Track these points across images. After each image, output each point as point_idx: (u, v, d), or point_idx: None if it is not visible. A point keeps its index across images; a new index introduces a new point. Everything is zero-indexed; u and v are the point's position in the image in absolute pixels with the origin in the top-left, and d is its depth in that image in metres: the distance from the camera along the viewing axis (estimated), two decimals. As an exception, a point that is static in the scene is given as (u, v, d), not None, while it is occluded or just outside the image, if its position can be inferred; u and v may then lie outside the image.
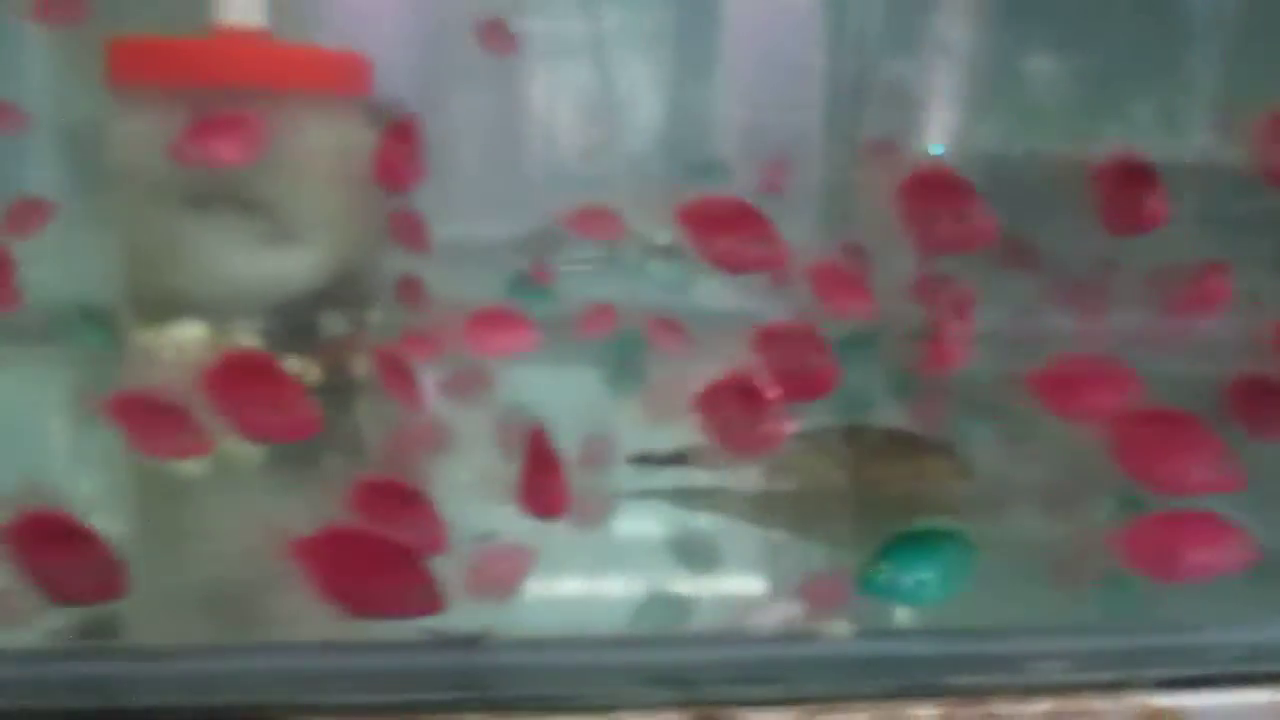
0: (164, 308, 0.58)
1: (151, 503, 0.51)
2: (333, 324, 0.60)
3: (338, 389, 0.60)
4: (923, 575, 0.33)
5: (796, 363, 0.35)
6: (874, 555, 0.32)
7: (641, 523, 0.44)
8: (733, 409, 0.33)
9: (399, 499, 0.31)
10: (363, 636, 0.30)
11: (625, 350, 0.67)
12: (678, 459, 0.46)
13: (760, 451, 0.33)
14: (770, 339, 0.36)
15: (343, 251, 0.60)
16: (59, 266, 0.67)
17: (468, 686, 0.29)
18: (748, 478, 0.45)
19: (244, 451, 0.55)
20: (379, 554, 0.27)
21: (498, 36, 0.65)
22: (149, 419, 0.36)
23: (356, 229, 0.61)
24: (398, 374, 0.52)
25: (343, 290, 0.60)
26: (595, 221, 0.64)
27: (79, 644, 0.30)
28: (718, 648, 0.30)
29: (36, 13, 0.59)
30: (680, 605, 0.39)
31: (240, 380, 0.31)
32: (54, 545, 0.28)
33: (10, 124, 0.61)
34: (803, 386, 0.35)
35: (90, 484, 0.53)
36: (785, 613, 0.31)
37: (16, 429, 0.60)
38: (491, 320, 0.53)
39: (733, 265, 0.33)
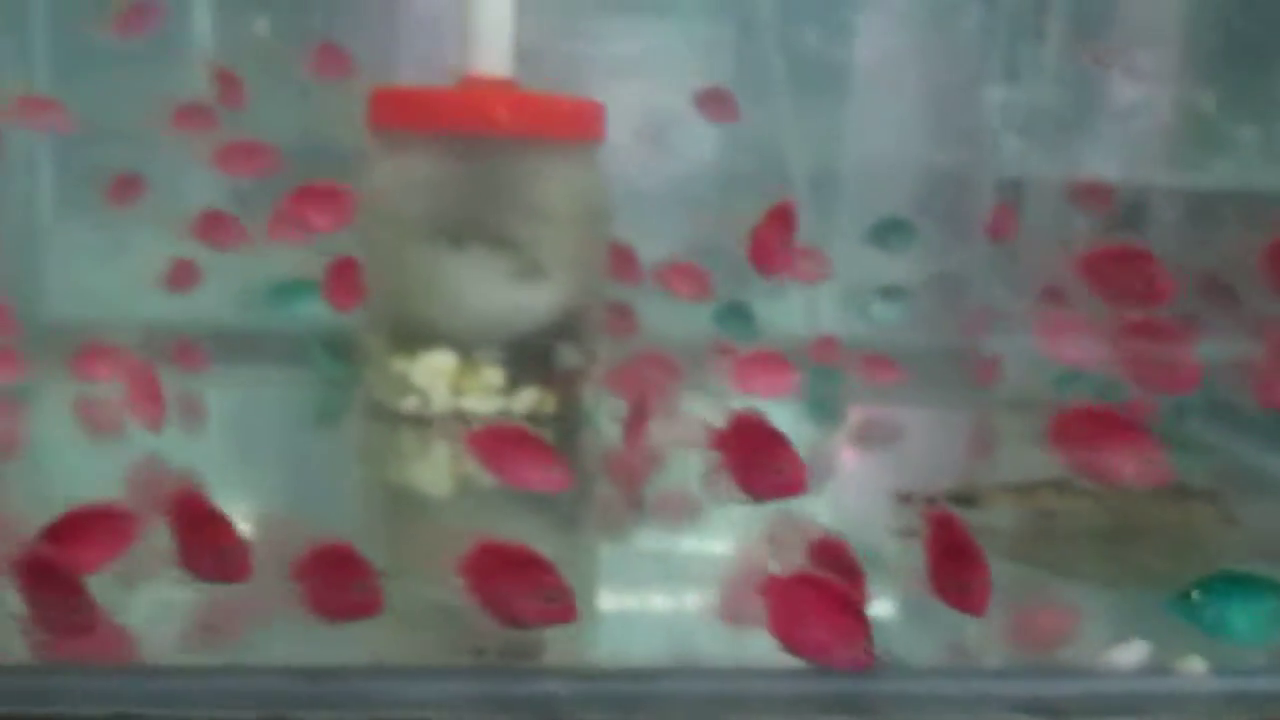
0: (417, 337, 0.62)
1: (414, 523, 0.55)
2: (566, 355, 0.64)
3: (568, 418, 0.64)
4: (1230, 612, 0.36)
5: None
6: (1192, 581, 0.35)
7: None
8: (1101, 440, 0.36)
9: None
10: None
11: (823, 384, 0.71)
12: (942, 498, 0.48)
13: (1142, 480, 0.36)
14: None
15: (577, 286, 0.64)
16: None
17: (856, 711, 0.32)
18: (1008, 518, 0.48)
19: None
20: (827, 601, 0.31)
21: (718, 103, 0.68)
22: (511, 451, 0.40)
23: (589, 265, 0.64)
24: (643, 403, 0.56)
25: (575, 323, 0.64)
26: (806, 263, 0.68)
27: (512, 663, 0.34)
28: (1084, 680, 0.33)
29: (311, 69, 0.64)
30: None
31: (744, 441, 0.34)
32: (511, 574, 0.31)
33: (267, 166, 0.66)
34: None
35: (348, 506, 0.57)
36: (1138, 650, 0.34)
37: (265, 448, 0.65)
38: (758, 363, 0.56)
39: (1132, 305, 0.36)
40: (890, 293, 0.68)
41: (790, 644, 0.31)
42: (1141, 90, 0.82)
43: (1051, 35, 0.84)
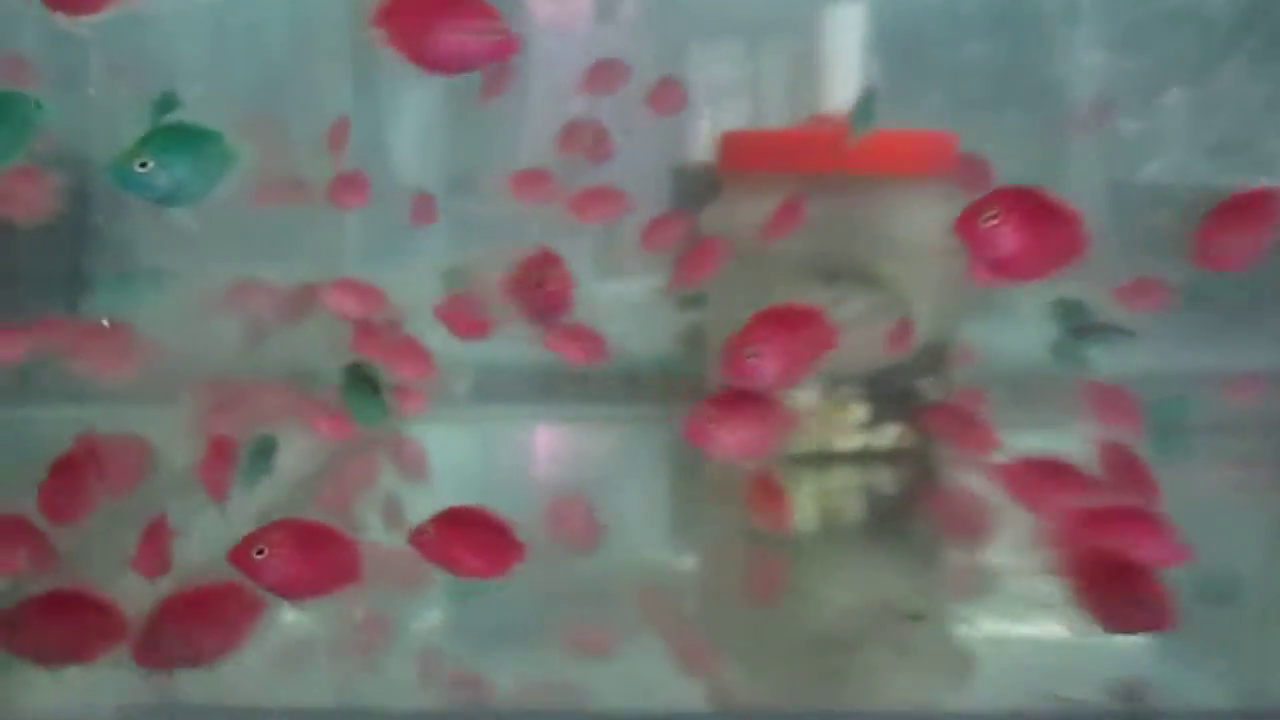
0: (780, 374, 0.63)
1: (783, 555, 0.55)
2: (927, 390, 0.64)
3: (928, 453, 0.64)
4: None
5: None
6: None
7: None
8: None
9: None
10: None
11: (1169, 413, 0.69)
12: None
13: None
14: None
15: (938, 321, 0.64)
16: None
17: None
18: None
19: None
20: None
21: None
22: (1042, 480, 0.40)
23: (949, 300, 0.64)
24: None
25: (935, 358, 0.64)
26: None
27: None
28: None
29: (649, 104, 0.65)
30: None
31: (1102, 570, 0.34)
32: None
33: (619, 210, 0.66)
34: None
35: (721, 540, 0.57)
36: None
37: (624, 486, 0.65)
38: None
39: None
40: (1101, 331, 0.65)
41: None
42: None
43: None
